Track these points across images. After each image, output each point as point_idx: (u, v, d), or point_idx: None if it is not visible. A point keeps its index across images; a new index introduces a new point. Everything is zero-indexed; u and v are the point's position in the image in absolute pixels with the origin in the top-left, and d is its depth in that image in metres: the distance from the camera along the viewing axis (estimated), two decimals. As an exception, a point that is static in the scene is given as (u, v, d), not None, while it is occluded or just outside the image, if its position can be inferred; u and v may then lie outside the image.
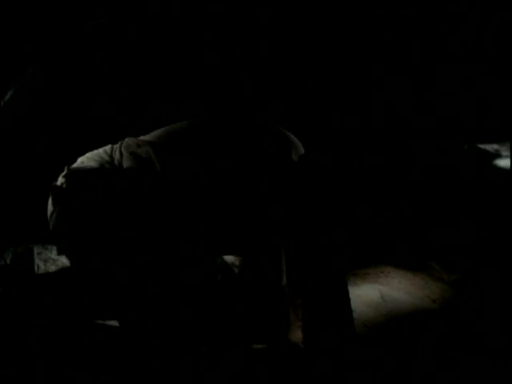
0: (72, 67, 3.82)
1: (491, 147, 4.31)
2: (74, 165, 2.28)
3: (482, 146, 4.34)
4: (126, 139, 2.39)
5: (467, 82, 4.62)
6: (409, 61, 4.56)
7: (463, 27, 4.52)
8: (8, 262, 3.18)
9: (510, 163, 3.79)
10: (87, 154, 2.36)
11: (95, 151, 2.39)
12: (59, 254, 2.73)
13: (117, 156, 2.25)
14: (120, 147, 2.32)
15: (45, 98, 3.79)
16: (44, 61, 3.54)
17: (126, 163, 2.18)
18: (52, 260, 3.23)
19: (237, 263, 3.57)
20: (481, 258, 3.79)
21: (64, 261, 3.08)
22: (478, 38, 4.54)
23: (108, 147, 2.41)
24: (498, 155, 4.21)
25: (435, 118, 4.68)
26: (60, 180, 2.21)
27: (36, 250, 3.34)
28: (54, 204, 2.11)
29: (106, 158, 2.28)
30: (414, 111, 4.68)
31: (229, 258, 3.64)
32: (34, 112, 3.75)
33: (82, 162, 2.28)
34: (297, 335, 2.72)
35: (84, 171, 2.14)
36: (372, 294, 3.42)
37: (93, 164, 2.21)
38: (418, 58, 4.56)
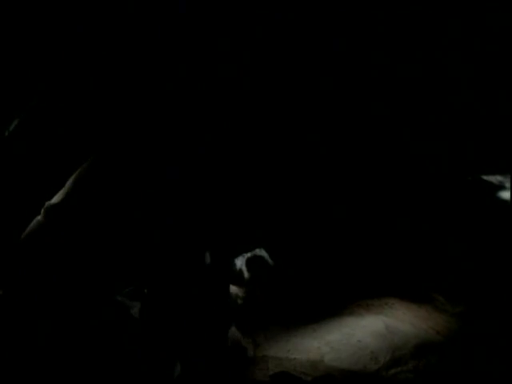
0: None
1: (495, 179, 4.33)
2: (52, 201, 2.40)
3: (485, 178, 4.36)
4: None
5: (472, 114, 4.65)
6: (413, 90, 4.60)
7: (468, 55, 4.56)
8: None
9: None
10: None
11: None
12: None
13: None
14: None
15: (50, 128, 3.84)
16: (49, 92, 3.60)
17: None
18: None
19: (240, 294, 3.59)
20: (485, 290, 3.78)
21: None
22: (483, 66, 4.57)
23: None
24: (501, 187, 4.23)
25: (440, 148, 4.70)
26: (41, 214, 2.34)
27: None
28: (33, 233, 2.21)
29: None
30: (418, 140, 4.70)
31: (233, 289, 3.66)
32: (38, 142, 3.80)
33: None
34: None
35: (59, 207, 2.24)
36: (377, 324, 3.42)
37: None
38: (422, 86, 4.60)
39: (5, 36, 3.51)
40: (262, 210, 4.68)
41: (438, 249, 4.31)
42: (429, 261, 4.23)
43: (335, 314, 3.67)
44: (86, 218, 2.11)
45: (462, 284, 3.92)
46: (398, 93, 4.52)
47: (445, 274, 4.06)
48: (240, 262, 4.28)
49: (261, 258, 4.40)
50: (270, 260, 4.41)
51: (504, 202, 4.02)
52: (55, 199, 2.32)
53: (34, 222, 2.17)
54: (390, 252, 4.31)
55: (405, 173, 4.66)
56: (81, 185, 2.21)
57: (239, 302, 3.82)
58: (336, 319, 3.59)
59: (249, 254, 4.38)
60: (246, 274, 4.23)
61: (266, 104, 4.35)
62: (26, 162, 3.81)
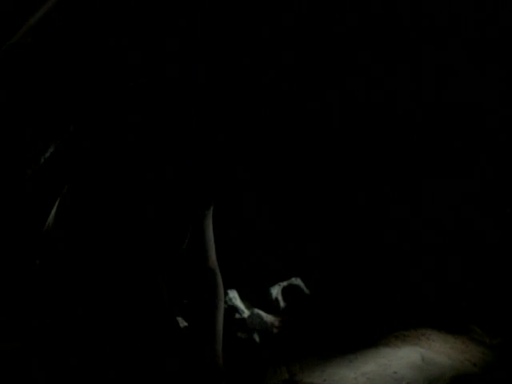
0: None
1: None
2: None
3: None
4: None
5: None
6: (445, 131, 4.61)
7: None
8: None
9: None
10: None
11: None
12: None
13: None
14: None
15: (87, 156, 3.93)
16: (86, 121, 3.70)
17: None
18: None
19: (276, 323, 3.61)
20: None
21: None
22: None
23: None
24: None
25: (478, 180, 4.68)
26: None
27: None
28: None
29: None
30: (456, 174, 4.69)
31: (268, 318, 3.68)
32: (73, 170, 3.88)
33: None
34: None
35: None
36: (413, 356, 3.40)
37: None
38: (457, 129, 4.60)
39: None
40: (298, 239, 4.71)
41: (475, 281, 4.28)
42: (466, 290, 4.19)
43: (371, 344, 3.66)
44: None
45: (501, 315, 3.88)
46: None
47: (482, 304, 4.02)
48: (276, 291, 4.31)
49: (297, 287, 4.42)
50: (305, 289, 4.43)
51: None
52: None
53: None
54: (427, 281, 4.29)
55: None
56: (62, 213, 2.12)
57: (275, 330, 3.84)
58: (372, 350, 3.58)
59: (285, 283, 4.41)
60: (282, 303, 4.25)
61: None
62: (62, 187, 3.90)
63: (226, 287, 4.10)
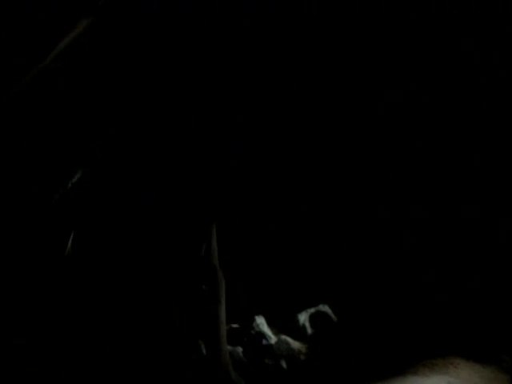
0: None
1: None
2: None
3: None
4: None
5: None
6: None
7: None
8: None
9: None
10: None
11: None
12: None
13: None
14: None
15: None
16: (111, 149, 3.77)
17: None
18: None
19: (303, 350, 3.62)
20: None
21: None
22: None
23: None
24: None
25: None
26: None
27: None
28: None
29: None
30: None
31: (295, 345, 3.70)
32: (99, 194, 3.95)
33: None
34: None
35: None
36: (441, 385, 3.38)
37: None
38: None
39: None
40: (326, 266, 4.72)
41: (505, 309, 4.23)
42: (495, 318, 4.15)
43: (399, 372, 3.64)
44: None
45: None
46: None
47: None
48: (303, 318, 4.31)
49: (324, 313, 4.42)
50: (333, 316, 4.42)
51: None
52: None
53: None
54: (456, 308, 4.25)
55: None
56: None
57: (302, 357, 3.85)
58: (400, 378, 3.56)
59: (312, 310, 4.41)
60: (309, 330, 4.25)
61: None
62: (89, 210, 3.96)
63: (254, 313, 4.12)
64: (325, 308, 4.45)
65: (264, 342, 4.00)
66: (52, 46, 3.67)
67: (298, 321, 4.29)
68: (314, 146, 4.61)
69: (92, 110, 3.74)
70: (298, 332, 4.21)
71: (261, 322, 4.14)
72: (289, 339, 3.97)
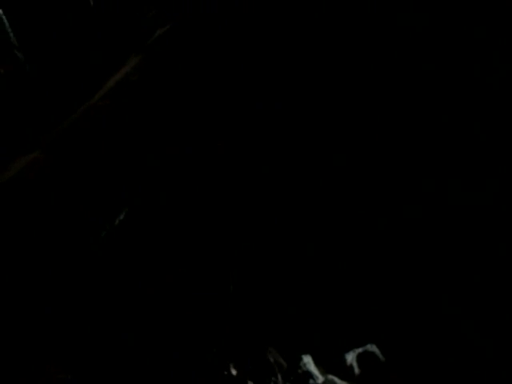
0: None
1: None
2: None
3: None
4: None
5: None
6: None
7: None
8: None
9: None
10: None
11: None
12: None
13: None
14: None
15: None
16: (152, 187, 3.83)
17: None
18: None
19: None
20: None
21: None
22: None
23: None
24: None
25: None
26: None
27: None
28: None
29: None
30: None
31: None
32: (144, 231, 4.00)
33: None
34: None
35: None
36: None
37: None
38: None
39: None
40: (373, 305, 4.65)
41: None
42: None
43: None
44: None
45: None
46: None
47: None
48: (351, 357, 4.25)
49: (372, 353, 4.35)
50: (381, 356, 4.35)
51: None
52: None
53: None
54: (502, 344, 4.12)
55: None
56: None
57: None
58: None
59: (360, 350, 4.34)
60: (357, 370, 4.18)
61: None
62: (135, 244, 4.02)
63: (301, 352, 4.08)
64: (372, 348, 4.38)
65: (311, 381, 3.96)
66: (101, 84, 3.76)
67: (345, 360, 4.23)
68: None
69: (139, 148, 3.81)
70: (345, 372, 4.15)
71: (308, 361, 4.10)
72: (336, 379, 3.92)
